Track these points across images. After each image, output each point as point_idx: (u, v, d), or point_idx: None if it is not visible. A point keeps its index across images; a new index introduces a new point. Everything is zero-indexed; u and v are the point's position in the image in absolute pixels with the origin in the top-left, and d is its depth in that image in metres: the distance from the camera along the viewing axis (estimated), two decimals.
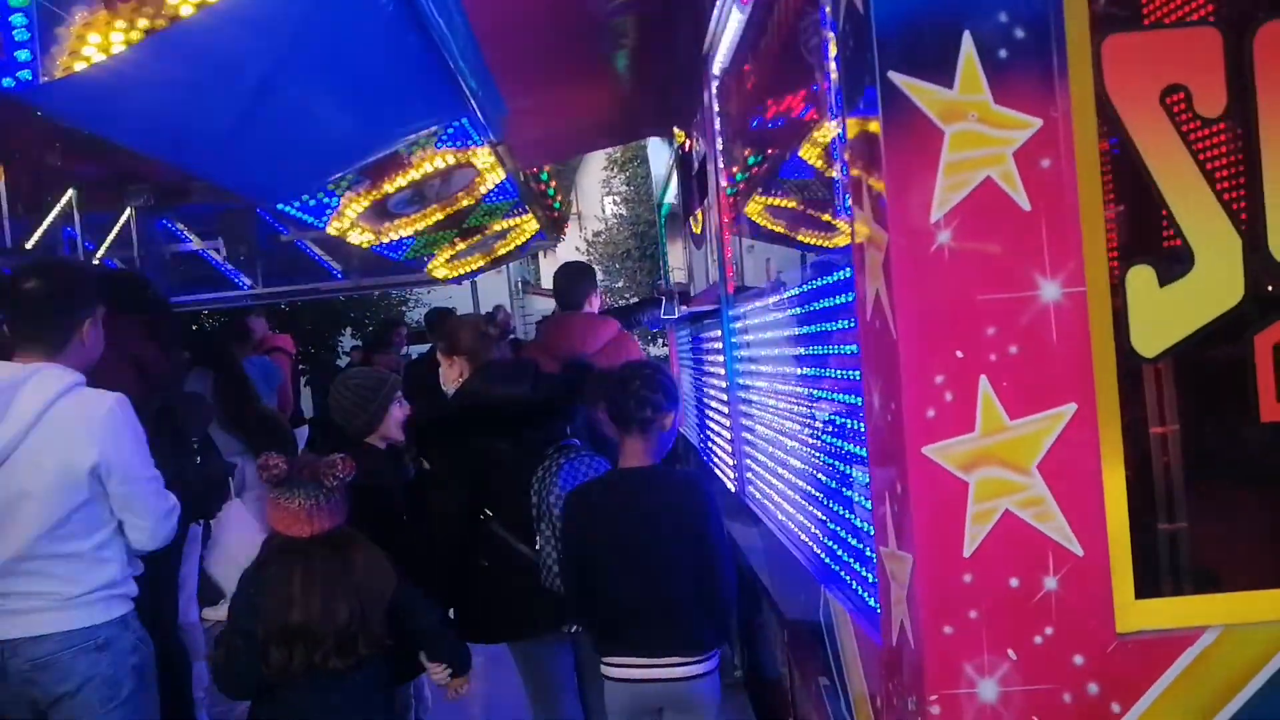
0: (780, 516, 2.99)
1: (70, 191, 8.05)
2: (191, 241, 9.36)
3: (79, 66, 3.08)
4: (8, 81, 2.97)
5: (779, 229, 3.31)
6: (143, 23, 3.03)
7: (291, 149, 4.44)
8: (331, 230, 6.10)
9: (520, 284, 21.05)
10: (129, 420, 2.36)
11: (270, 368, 5.51)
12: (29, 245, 7.21)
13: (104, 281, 3.35)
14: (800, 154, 2.76)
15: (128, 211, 8.82)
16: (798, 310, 2.60)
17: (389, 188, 5.81)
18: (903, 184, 1.54)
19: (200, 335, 4.85)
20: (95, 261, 8.33)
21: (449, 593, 2.79)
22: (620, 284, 17.92)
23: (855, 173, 1.70)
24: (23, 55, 2.95)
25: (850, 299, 2.02)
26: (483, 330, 3.28)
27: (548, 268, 27.05)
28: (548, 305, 22.25)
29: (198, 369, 4.11)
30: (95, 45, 3.02)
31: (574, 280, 4.40)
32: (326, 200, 5.57)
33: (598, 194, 19.55)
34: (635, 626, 2.48)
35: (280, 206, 5.43)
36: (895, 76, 1.52)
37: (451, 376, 3.27)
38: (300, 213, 5.55)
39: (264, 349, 6.14)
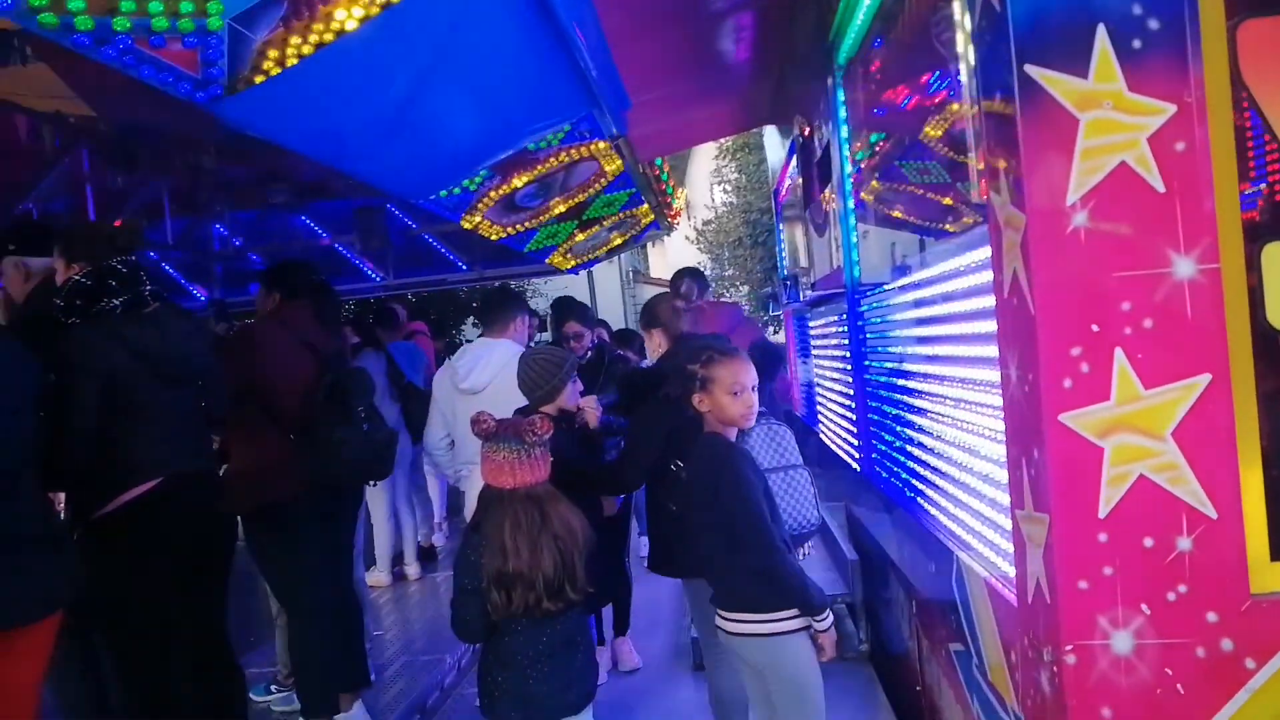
0: (909, 493, 3.09)
1: (221, 192, 8.71)
2: (326, 236, 9.99)
3: (258, 79, 3.40)
4: (201, 96, 3.32)
5: (905, 214, 3.39)
6: (314, 38, 3.33)
7: (434, 149, 4.72)
8: (464, 224, 6.42)
9: (631, 273, 21.36)
10: None
11: (415, 351, 5.88)
12: (186, 243, 7.86)
13: (277, 271, 3.71)
14: (928, 142, 2.85)
15: (271, 210, 9.47)
16: (928, 292, 2.70)
17: (518, 183, 6.08)
18: (1039, 169, 1.65)
19: (366, 321, 5.24)
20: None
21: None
22: (730, 272, 17.96)
23: (992, 160, 1.81)
24: (214, 72, 3.29)
25: (985, 280, 2.13)
26: (675, 306, 3.60)
27: (656, 258, 27.30)
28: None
29: (367, 349, 4.46)
30: (274, 60, 3.34)
31: (697, 279, 5.22)
32: (463, 195, 5.87)
33: (706, 183, 19.62)
34: (711, 580, 2.69)
35: (421, 202, 5.75)
36: (1032, 69, 1.63)
37: (652, 347, 3.69)
38: (437, 209, 5.87)
39: (406, 334, 6.53)
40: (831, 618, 2.55)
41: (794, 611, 2.51)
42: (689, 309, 3.40)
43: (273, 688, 3.83)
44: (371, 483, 3.56)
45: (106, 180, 6.86)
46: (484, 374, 3.75)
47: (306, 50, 3.41)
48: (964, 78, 2.00)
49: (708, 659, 3.22)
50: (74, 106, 6.01)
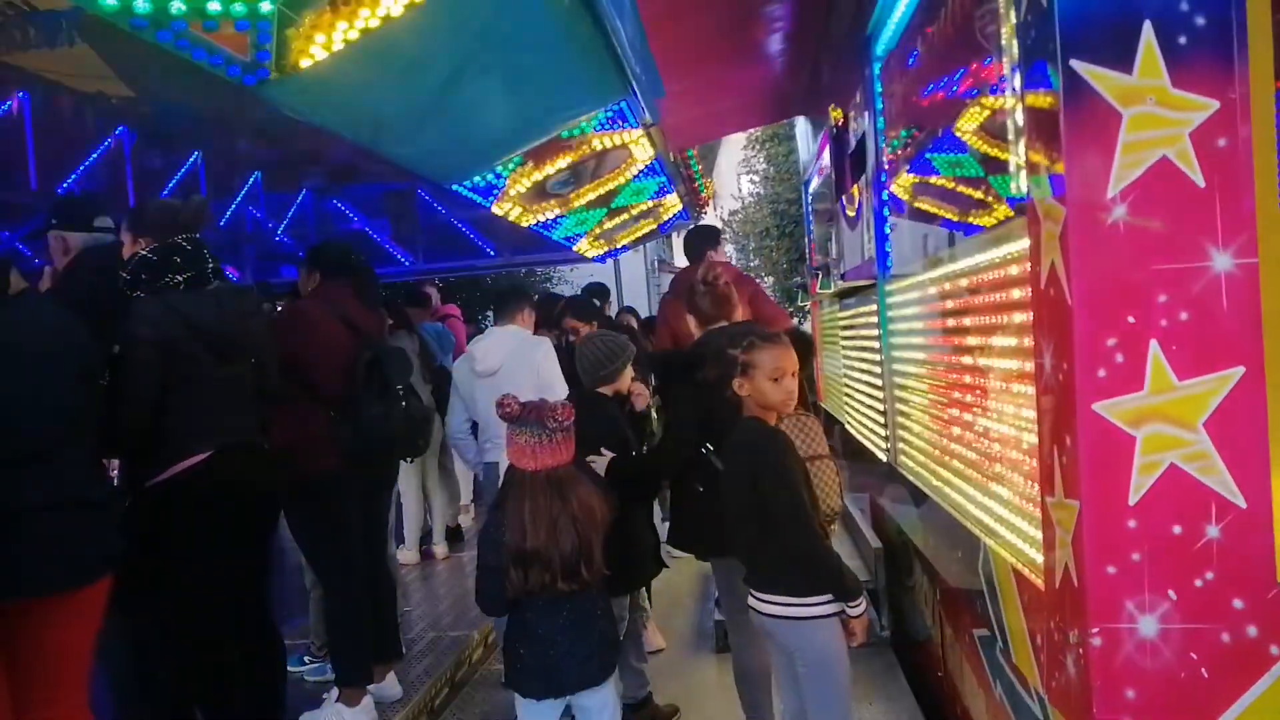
0: (936, 482, 3.13)
1: (255, 175, 8.83)
2: (358, 220, 10.11)
3: (304, 63, 3.47)
4: (248, 78, 3.39)
5: (938, 206, 3.42)
6: (360, 24, 3.40)
7: (470, 134, 4.79)
8: (496, 209, 6.49)
9: (656, 262, 21.37)
10: None
11: (444, 333, 5.96)
12: (220, 224, 7.99)
13: (317, 251, 3.79)
14: (965, 135, 2.87)
15: (303, 193, 9.59)
16: (960, 284, 2.74)
17: (550, 169, 6.14)
18: (1081, 163, 1.69)
19: (397, 302, 5.32)
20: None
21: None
22: (755, 263, 17.93)
23: (1033, 153, 1.85)
24: (262, 55, 3.36)
25: (1016, 272, 2.17)
26: (695, 287, 3.56)
27: (681, 246, 27.30)
28: None
29: (399, 330, 4.55)
30: (320, 45, 3.41)
31: (706, 239, 5.04)
32: (495, 181, 5.93)
33: (734, 173, 19.59)
34: (745, 562, 2.71)
35: (455, 187, 5.82)
36: (1077, 64, 1.67)
37: (690, 329, 3.73)
38: (471, 193, 5.94)
39: (438, 316, 6.61)
40: (865, 604, 2.57)
41: (827, 596, 2.53)
42: (708, 289, 3.33)
43: (306, 659, 3.93)
44: (407, 459, 3.64)
45: (145, 160, 6.99)
46: (495, 358, 3.93)
47: (353, 36, 3.48)
48: (1006, 71, 2.03)
49: (734, 636, 3.29)
50: (115, 87, 6.13)
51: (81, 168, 6.69)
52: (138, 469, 2.65)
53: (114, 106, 6.24)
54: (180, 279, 2.66)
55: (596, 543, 2.57)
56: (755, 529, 2.57)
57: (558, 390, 3.81)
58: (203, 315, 2.65)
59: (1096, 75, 1.66)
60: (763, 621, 2.64)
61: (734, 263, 13.68)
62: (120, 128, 6.56)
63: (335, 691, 3.38)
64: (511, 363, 3.91)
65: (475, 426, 4.01)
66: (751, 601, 2.65)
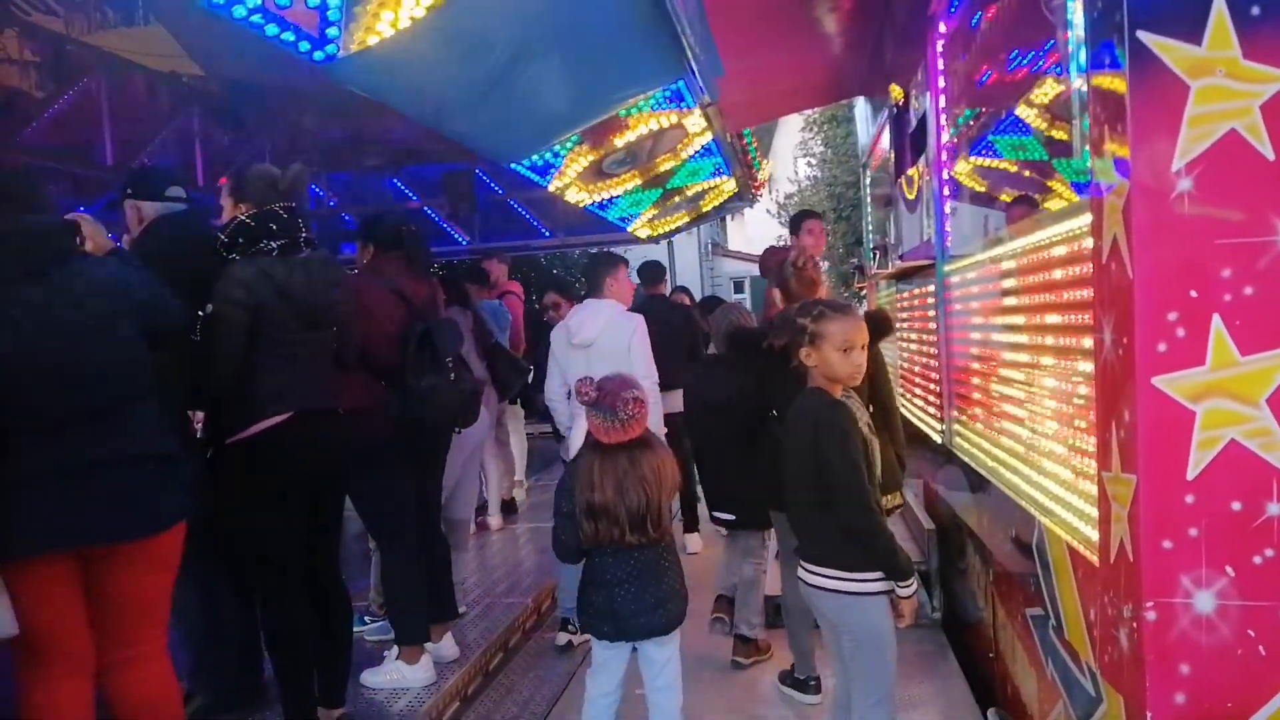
0: (991, 463, 3.12)
1: (318, 155, 9.00)
2: (416, 199, 10.27)
3: (371, 41, 3.55)
4: (318, 55, 3.48)
5: (1001, 185, 3.39)
6: (426, 1, 3.46)
7: (529, 113, 4.84)
8: (552, 188, 6.54)
9: (710, 246, 21.30)
10: None
11: (500, 310, 6.04)
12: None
13: (371, 224, 3.88)
14: (1028, 112, 2.85)
15: (364, 172, 9.75)
16: (1020, 261, 2.72)
17: (606, 148, 6.18)
18: (1146, 136, 1.68)
19: (454, 279, 5.40)
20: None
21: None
22: None
23: (1097, 126, 1.84)
24: (332, 32, 3.45)
25: (1080, 248, 2.16)
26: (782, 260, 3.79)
27: (735, 231, 27.15)
28: (735, 267, 22.42)
29: (454, 306, 4.63)
30: (388, 23, 3.48)
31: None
32: (552, 160, 5.99)
33: (789, 157, 19.44)
34: (798, 532, 2.74)
35: (513, 165, 5.89)
36: (1144, 35, 1.65)
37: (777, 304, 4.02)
38: (529, 172, 6.00)
39: (498, 293, 6.70)
40: (916, 584, 2.54)
41: (878, 574, 2.51)
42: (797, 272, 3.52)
43: (366, 618, 4.06)
44: (457, 430, 3.72)
45: (214, 138, 7.19)
46: (590, 330, 4.04)
47: (418, 14, 3.55)
48: (1072, 44, 2.02)
49: (785, 572, 3.47)
50: (187, 66, 6.31)
51: (153, 143, 6.93)
52: (222, 424, 2.76)
53: (185, 85, 6.43)
54: (274, 245, 2.76)
55: (665, 503, 2.74)
56: (811, 500, 2.57)
57: (647, 370, 3.95)
58: (292, 281, 2.74)
59: (1164, 47, 1.65)
60: (810, 593, 2.65)
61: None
62: (192, 106, 6.75)
63: (395, 650, 3.50)
64: (605, 337, 4.01)
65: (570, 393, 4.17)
66: (801, 573, 2.66)
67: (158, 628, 2.38)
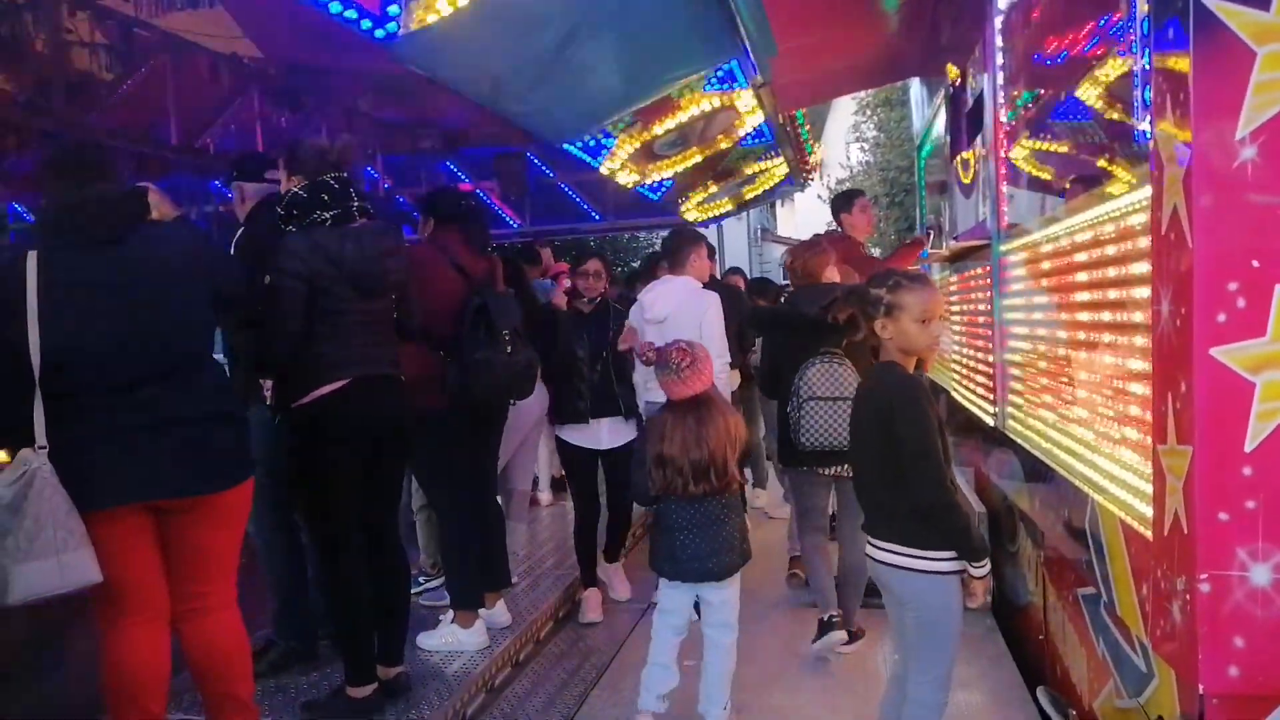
0: (1045, 444, 3.09)
1: (374, 136, 9.12)
2: (469, 182, 10.38)
3: (430, 19, 3.61)
4: (379, 32, 3.54)
5: (1059, 165, 3.34)
6: None
7: (582, 92, 4.88)
8: (604, 169, 6.58)
9: (759, 231, 21.20)
10: None
11: (554, 289, 6.10)
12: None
13: (431, 198, 3.95)
14: (1089, 90, 2.80)
15: (417, 155, 9.86)
16: (1076, 238, 2.69)
17: (658, 129, 6.19)
18: (1209, 103, 1.66)
19: (514, 260, 5.46)
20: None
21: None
22: None
23: (1160, 94, 1.82)
24: (393, 10, 3.52)
25: (1138, 222, 2.13)
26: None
27: (785, 216, 26.94)
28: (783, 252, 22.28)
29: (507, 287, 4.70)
30: (446, 1, 3.53)
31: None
32: (604, 141, 6.02)
33: (842, 142, 19.24)
34: (867, 509, 2.67)
35: (565, 146, 5.94)
36: (1209, 1, 1.64)
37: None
38: (581, 152, 6.04)
39: (549, 275, 6.77)
40: (989, 565, 2.46)
41: (950, 553, 2.43)
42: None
43: (421, 578, 4.18)
44: (512, 401, 3.79)
45: (273, 119, 7.33)
46: (665, 306, 4.19)
47: None
48: (1136, 11, 1.99)
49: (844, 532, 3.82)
50: (249, 48, 6.45)
51: (216, 124, 7.10)
52: (285, 391, 2.86)
53: (246, 66, 6.58)
54: (327, 216, 2.84)
55: (730, 457, 2.98)
56: (886, 476, 2.48)
57: (720, 348, 4.07)
58: (345, 252, 2.82)
59: (1230, 12, 1.63)
60: (878, 570, 2.57)
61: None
62: (252, 88, 6.90)
63: (450, 614, 3.59)
64: (679, 314, 4.12)
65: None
66: (869, 550, 2.59)
67: (227, 579, 2.48)
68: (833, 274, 3.99)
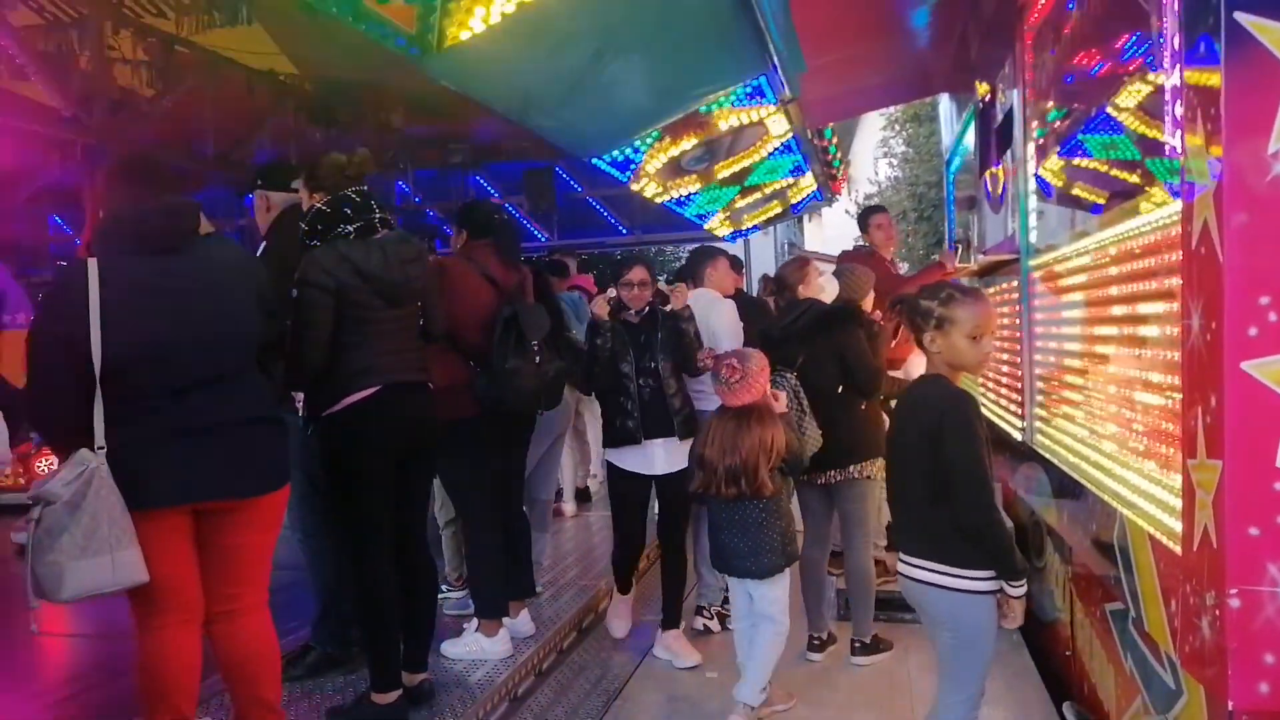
0: (1074, 459, 3.08)
1: (405, 151, 9.23)
2: (498, 196, 10.49)
3: (463, 36, 3.66)
4: (413, 51, 3.60)
5: (1089, 180, 3.34)
6: None
7: (612, 107, 4.93)
8: (632, 185, 6.62)
9: (786, 245, 21.16)
10: None
11: (580, 302, 6.15)
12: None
13: (465, 211, 4.01)
14: (1119, 107, 2.80)
15: (447, 169, 9.98)
16: (1108, 252, 2.69)
17: (686, 144, 6.22)
18: (1240, 118, 1.66)
19: (542, 273, 5.50)
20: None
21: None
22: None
23: (1191, 109, 1.82)
24: (427, 29, 3.57)
25: (1167, 236, 2.13)
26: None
27: (812, 231, 26.90)
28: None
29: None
30: (480, 18, 3.59)
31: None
32: (633, 155, 6.06)
33: (870, 157, 19.23)
34: (904, 524, 2.58)
35: (594, 160, 5.98)
36: (1241, 16, 1.64)
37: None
38: (610, 167, 6.08)
39: (569, 286, 6.81)
40: (1026, 585, 2.39)
41: (989, 572, 2.37)
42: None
43: (444, 586, 4.20)
44: (540, 411, 3.82)
45: (307, 135, 7.45)
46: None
47: (509, 9, 3.65)
48: (1167, 27, 2.00)
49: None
50: (285, 65, 6.57)
51: (252, 140, 7.22)
52: (316, 399, 2.91)
53: (281, 83, 6.70)
54: (350, 229, 2.89)
55: (763, 465, 3.11)
56: (927, 492, 2.40)
57: (725, 343, 4.10)
58: (370, 262, 2.87)
59: (1262, 28, 1.63)
60: (911, 588, 2.50)
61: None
62: (287, 104, 7.02)
63: (475, 622, 3.62)
64: (702, 324, 4.14)
65: None
66: (902, 567, 2.52)
67: (259, 583, 2.52)
68: (809, 289, 3.96)
